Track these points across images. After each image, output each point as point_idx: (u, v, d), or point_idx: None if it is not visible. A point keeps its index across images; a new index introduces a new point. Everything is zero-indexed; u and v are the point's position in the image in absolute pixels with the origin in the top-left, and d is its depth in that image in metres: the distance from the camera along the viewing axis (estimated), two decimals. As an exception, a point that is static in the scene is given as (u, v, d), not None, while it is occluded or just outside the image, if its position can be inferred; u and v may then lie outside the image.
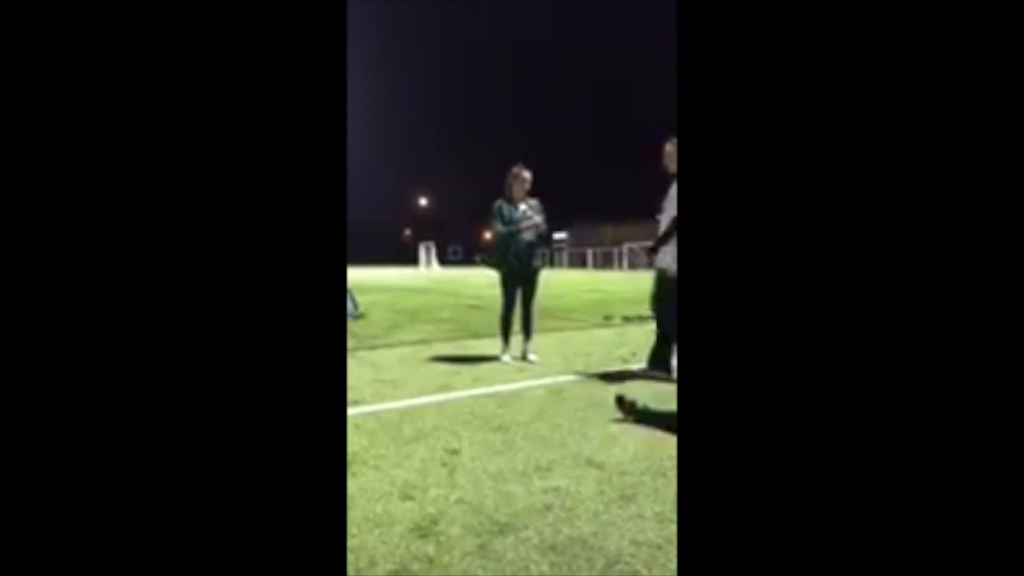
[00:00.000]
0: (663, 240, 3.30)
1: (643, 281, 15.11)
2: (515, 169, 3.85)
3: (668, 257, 3.25)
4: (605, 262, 43.99)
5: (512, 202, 3.84)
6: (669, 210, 3.27)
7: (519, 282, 3.89)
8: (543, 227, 3.86)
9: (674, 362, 3.31)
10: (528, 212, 3.82)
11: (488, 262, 4.03)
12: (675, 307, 2.86)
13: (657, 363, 3.38)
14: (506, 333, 3.97)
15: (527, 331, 3.95)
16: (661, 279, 3.39)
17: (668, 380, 3.21)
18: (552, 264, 19.07)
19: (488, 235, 3.82)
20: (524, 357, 3.91)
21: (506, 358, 3.88)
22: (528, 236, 3.79)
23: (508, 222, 3.80)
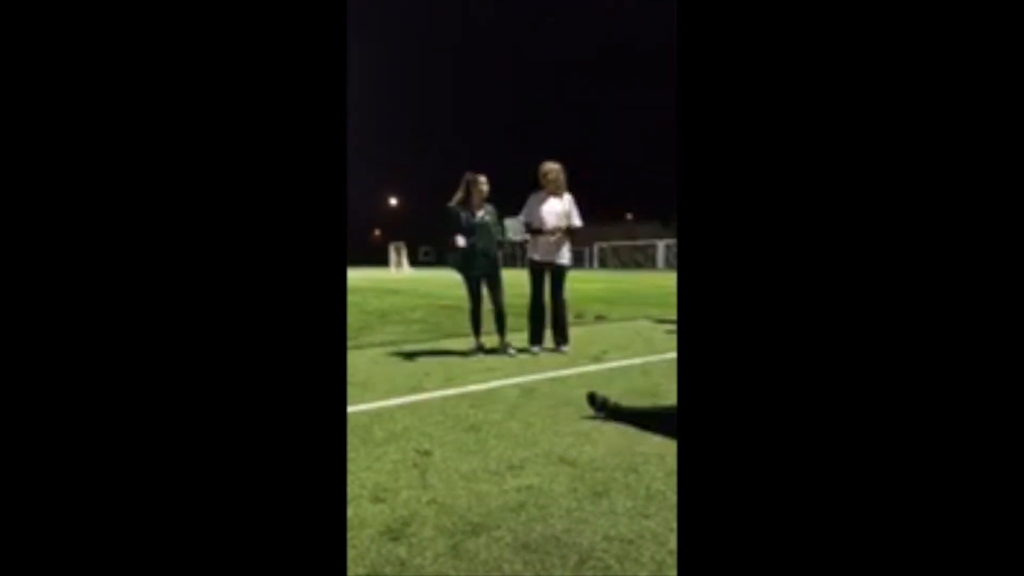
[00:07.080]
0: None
1: (614, 281, 15.30)
2: (471, 176, 3.95)
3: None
4: (576, 261, 44.33)
5: (470, 209, 3.97)
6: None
7: (482, 280, 4.10)
8: (507, 237, 4.14)
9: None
10: (486, 218, 4.01)
11: (455, 264, 4.19)
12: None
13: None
14: (476, 329, 4.17)
15: (500, 328, 4.14)
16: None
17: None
18: (519, 264, 19.17)
19: (460, 242, 3.97)
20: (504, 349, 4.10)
21: (480, 355, 4.04)
22: (497, 235, 4.05)
23: (468, 230, 3.94)
